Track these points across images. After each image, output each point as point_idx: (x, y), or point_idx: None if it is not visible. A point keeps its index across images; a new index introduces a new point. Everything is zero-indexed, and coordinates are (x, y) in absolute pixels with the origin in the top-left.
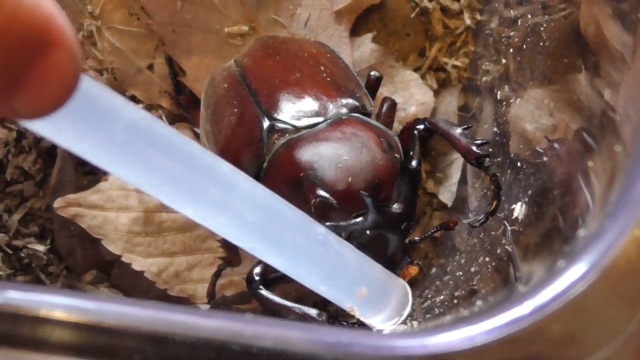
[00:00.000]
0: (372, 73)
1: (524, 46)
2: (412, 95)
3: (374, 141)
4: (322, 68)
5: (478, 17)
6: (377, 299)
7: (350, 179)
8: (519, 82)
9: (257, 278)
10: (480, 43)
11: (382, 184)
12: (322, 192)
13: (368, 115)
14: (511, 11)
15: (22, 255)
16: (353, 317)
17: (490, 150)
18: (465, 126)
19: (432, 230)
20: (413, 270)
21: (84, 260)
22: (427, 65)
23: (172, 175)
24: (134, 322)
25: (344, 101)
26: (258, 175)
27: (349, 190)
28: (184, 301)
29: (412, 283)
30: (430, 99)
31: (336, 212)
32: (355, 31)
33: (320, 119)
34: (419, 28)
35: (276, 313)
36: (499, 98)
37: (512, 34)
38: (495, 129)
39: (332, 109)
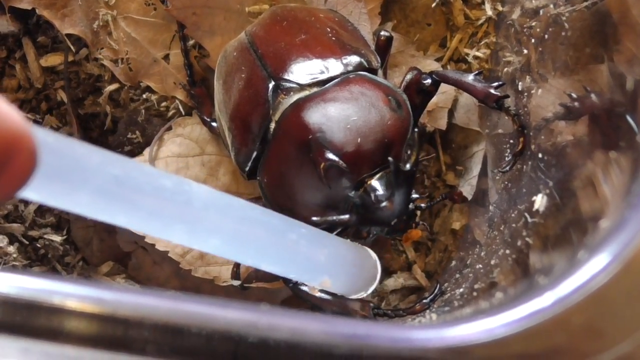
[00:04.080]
0: (382, 33)
1: (546, 37)
2: None
3: (382, 100)
4: (329, 30)
5: (499, 7)
6: (346, 278)
7: (359, 140)
8: (541, 73)
9: None
10: (502, 34)
11: (391, 143)
12: (331, 156)
13: (374, 71)
14: (533, 1)
15: (38, 245)
16: (397, 306)
17: (511, 141)
18: (477, 72)
19: (438, 199)
20: (415, 233)
21: (100, 251)
22: (447, 56)
23: (143, 206)
24: (150, 313)
25: (348, 58)
26: (266, 137)
27: (358, 152)
28: (209, 283)
29: (418, 244)
30: (451, 87)
31: (346, 174)
32: (374, 22)
33: (324, 76)
34: (440, 18)
35: (317, 307)
36: (520, 89)
37: (533, 24)
38: (518, 116)
39: (336, 65)
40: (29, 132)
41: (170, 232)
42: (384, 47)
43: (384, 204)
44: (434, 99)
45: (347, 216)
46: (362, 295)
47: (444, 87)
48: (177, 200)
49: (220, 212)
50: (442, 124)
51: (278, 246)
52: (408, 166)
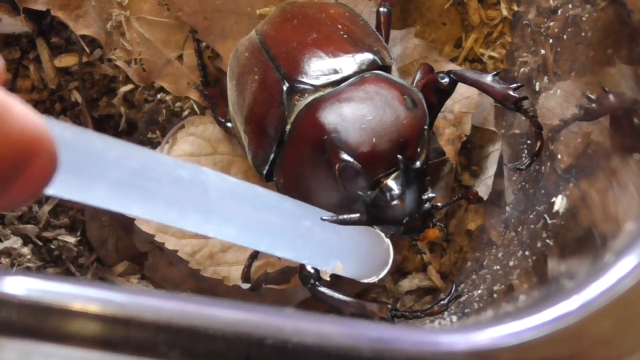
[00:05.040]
0: (381, 9)
1: (564, 37)
2: (457, 89)
3: (397, 99)
4: (340, 26)
5: (515, 7)
6: (358, 262)
7: (374, 140)
8: (558, 74)
9: (312, 271)
10: (518, 34)
11: (407, 143)
12: (346, 157)
13: (388, 67)
14: (550, 1)
15: (52, 247)
16: (412, 307)
17: (528, 141)
18: (495, 72)
19: (454, 199)
20: (433, 233)
21: (116, 251)
22: (463, 56)
23: (169, 196)
24: (167, 315)
25: (361, 56)
26: (282, 139)
27: (373, 152)
28: (219, 283)
29: (433, 244)
30: (474, 91)
31: (361, 175)
32: (391, 21)
33: (338, 76)
34: (455, 17)
35: (335, 308)
36: (537, 89)
37: (550, 24)
38: (536, 118)
39: (349, 64)
40: (48, 133)
41: (186, 222)
42: (386, 22)
43: (395, 202)
44: (458, 108)
45: (357, 215)
46: (374, 279)
47: (467, 92)
48: (193, 190)
49: (235, 200)
50: (467, 129)
51: (292, 233)
52: (418, 164)
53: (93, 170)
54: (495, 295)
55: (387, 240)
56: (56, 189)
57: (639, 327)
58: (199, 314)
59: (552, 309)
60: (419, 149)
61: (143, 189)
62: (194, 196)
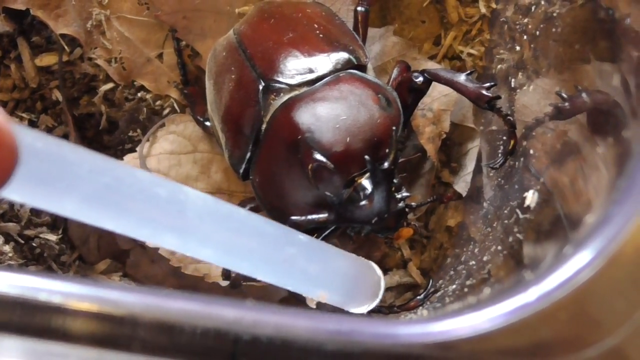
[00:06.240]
0: (358, 8)
1: (538, 34)
2: (435, 87)
3: (371, 98)
4: (316, 26)
5: (493, 5)
6: (344, 293)
7: (348, 139)
8: (534, 70)
9: None
10: (496, 31)
11: (380, 143)
12: (318, 157)
13: (363, 66)
14: None
15: (34, 245)
16: (392, 303)
17: (504, 138)
18: (469, 71)
19: (429, 200)
20: (407, 232)
21: (97, 249)
22: (442, 53)
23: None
24: (147, 311)
25: (336, 55)
26: (258, 138)
27: (346, 152)
28: (200, 280)
29: (413, 241)
30: (453, 90)
31: (334, 174)
32: (370, 19)
33: (313, 75)
34: (434, 15)
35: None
36: (513, 86)
37: (526, 21)
38: (509, 117)
39: (324, 64)
40: (9, 129)
41: (160, 240)
42: (363, 21)
43: (362, 202)
44: (436, 106)
45: (325, 215)
46: (363, 310)
47: (445, 90)
48: (170, 210)
49: (215, 223)
50: (446, 126)
51: (274, 259)
52: (386, 164)
53: (63, 183)
54: (465, 290)
55: (379, 272)
56: (24, 196)
57: (597, 318)
58: (180, 310)
59: (510, 301)
60: (387, 149)
61: (115, 205)
62: (171, 215)
